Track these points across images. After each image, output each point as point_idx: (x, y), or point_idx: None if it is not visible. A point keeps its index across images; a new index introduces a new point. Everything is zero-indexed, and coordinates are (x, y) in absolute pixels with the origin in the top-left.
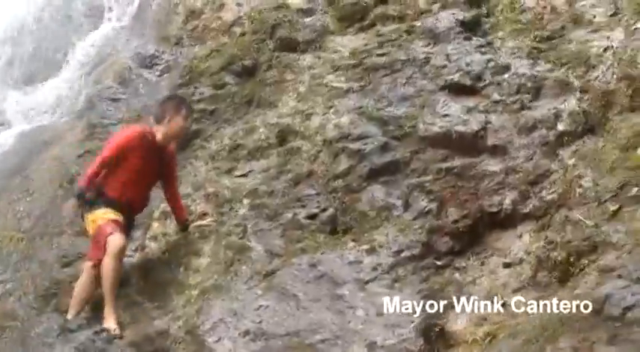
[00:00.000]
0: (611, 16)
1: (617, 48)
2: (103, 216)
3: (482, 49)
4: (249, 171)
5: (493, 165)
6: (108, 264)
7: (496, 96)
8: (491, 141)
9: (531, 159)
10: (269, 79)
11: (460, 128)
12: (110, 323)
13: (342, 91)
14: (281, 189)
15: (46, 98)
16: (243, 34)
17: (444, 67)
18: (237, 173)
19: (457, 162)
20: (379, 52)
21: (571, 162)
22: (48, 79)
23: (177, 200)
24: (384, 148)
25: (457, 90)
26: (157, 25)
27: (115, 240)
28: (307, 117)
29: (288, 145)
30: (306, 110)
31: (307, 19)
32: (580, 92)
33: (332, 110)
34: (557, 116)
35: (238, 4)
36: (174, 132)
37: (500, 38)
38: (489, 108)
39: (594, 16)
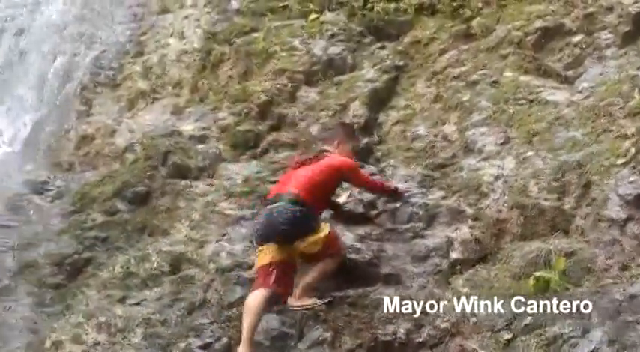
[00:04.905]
0: (502, 144)
1: (508, 176)
2: (326, 228)
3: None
4: (142, 300)
5: (387, 293)
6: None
7: (389, 225)
8: (385, 269)
9: (425, 287)
10: (162, 206)
11: (354, 256)
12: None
13: (235, 219)
14: (174, 318)
15: None
16: (135, 161)
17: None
18: (130, 302)
19: (351, 290)
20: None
21: (464, 290)
22: None
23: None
24: None
25: (351, 218)
26: (48, 151)
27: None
28: (200, 244)
29: (182, 273)
30: (199, 238)
31: (200, 146)
32: (472, 220)
33: (225, 238)
34: (450, 244)
35: (131, 131)
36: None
37: (392, 166)
38: (383, 236)
39: (485, 145)
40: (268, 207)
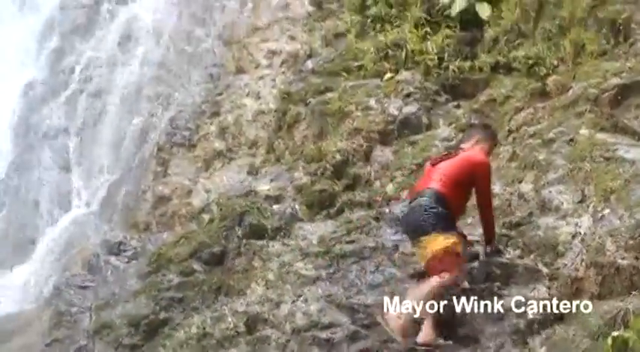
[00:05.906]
0: (579, 202)
1: (585, 234)
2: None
3: None
4: None
5: None
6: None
7: (466, 284)
8: (461, 329)
9: (502, 347)
10: (237, 267)
11: None
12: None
13: (310, 279)
14: None
15: (14, 284)
16: (211, 221)
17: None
18: None
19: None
20: (348, 239)
21: (542, 350)
22: (16, 266)
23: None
24: (354, 337)
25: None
26: (125, 211)
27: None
28: (276, 305)
29: (257, 334)
30: (274, 298)
31: (276, 206)
32: (549, 279)
33: (301, 298)
34: (527, 304)
35: (207, 191)
36: None
37: (469, 224)
38: (460, 295)
39: (562, 203)
40: (412, 203)
